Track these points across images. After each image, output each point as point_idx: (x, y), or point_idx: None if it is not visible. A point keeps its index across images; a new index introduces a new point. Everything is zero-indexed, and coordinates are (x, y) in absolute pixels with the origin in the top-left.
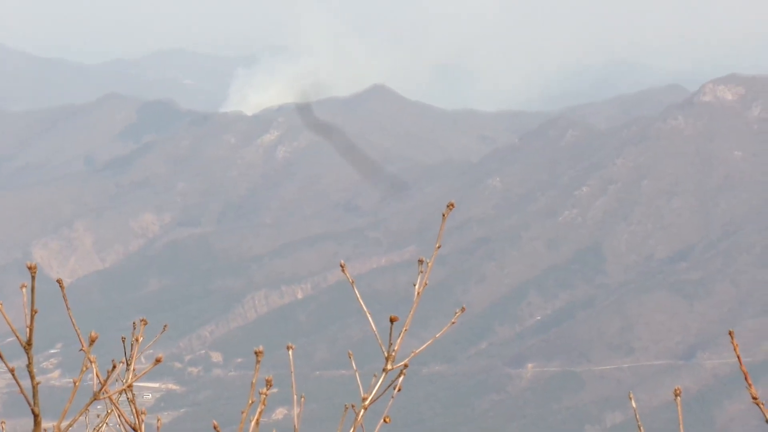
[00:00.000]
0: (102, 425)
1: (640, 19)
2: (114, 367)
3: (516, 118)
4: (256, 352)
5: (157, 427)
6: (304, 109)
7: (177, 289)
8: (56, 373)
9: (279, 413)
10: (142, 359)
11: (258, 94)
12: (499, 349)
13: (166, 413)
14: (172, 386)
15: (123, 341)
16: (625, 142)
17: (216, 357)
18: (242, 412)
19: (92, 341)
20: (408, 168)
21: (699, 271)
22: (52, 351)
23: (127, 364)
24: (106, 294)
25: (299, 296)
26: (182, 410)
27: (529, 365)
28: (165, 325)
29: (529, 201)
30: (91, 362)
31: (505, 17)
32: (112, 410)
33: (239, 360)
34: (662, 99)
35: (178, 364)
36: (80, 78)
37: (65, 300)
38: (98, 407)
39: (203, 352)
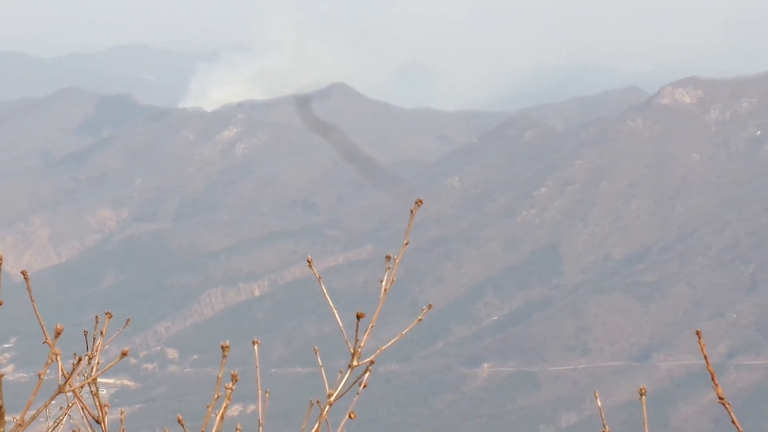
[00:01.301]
0: (63, 417)
1: (599, 21)
2: (80, 360)
3: (475, 118)
4: (222, 347)
5: (121, 420)
6: (302, 105)
7: (133, 285)
8: (10, 368)
9: (234, 410)
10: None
11: (219, 89)
12: (456, 348)
13: (120, 409)
14: (126, 382)
15: (85, 335)
16: (584, 143)
17: (171, 353)
18: (208, 407)
19: (58, 334)
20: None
21: (655, 272)
22: (6, 345)
23: (89, 358)
24: (62, 289)
25: (256, 293)
26: (137, 406)
27: (485, 365)
28: (128, 320)
29: (486, 201)
30: (56, 355)
31: (467, 19)
32: (74, 403)
33: (195, 357)
34: (621, 101)
35: (133, 360)
36: (38, 71)
37: (29, 291)
38: (52, 402)
39: (159, 348)
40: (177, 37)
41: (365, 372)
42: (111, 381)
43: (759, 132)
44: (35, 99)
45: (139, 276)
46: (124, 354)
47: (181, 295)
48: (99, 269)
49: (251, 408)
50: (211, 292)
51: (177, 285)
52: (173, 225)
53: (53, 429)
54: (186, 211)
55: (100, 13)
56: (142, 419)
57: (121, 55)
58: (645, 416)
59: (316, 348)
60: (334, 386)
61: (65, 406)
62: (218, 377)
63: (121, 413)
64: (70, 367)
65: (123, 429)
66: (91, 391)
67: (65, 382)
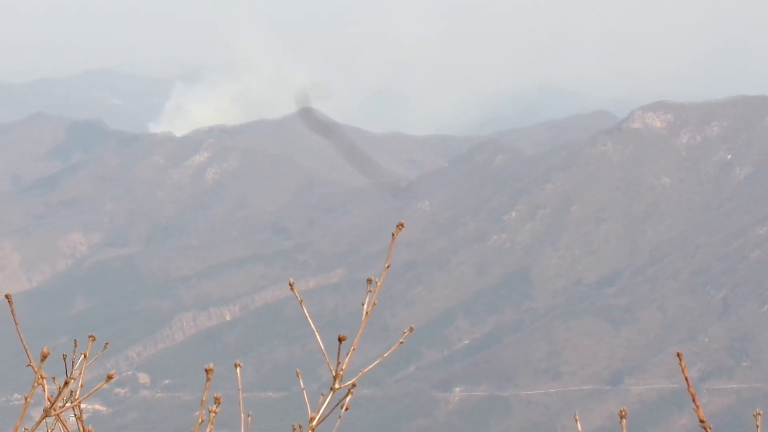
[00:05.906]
0: None
1: (569, 46)
2: (66, 383)
3: (445, 142)
4: (206, 370)
5: None
6: (305, 111)
7: (104, 310)
8: None
9: None
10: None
11: (195, 108)
12: (427, 372)
13: None
14: (98, 407)
15: (64, 358)
16: (554, 167)
17: (143, 378)
18: (192, 431)
19: (44, 358)
20: (335, 191)
21: (626, 296)
22: None
23: (65, 383)
24: (33, 313)
25: (227, 318)
26: None
27: (457, 389)
28: (106, 343)
29: (457, 225)
30: (42, 378)
31: (437, 44)
32: (56, 424)
33: (166, 381)
34: (591, 125)
35: (104, 385)
36: (5, 97)
37: (13, 315)
38: (30, 426)
39: (130, 373)
40: (144, 62)
41: (347, 395)
42: (82, 406)
43: (729, 156)
44: (4, 124)
45: (110, 300)
46: (110, 377)
47: (152, 320)
48: (70, 294)
49: None
50: (182, 317)
51: (148, 309)
52: (144, 249)
53: None
54: (156, 236)
55: (68, 38)
56: None
57: (90, 81)
58: None
59: (299, 371)
60: (315, 409)
61: (44, 429)
62: (202, 400)
63: None
64: (48, 390)
65: None
66: (75, 415)
67: (51, 405)
